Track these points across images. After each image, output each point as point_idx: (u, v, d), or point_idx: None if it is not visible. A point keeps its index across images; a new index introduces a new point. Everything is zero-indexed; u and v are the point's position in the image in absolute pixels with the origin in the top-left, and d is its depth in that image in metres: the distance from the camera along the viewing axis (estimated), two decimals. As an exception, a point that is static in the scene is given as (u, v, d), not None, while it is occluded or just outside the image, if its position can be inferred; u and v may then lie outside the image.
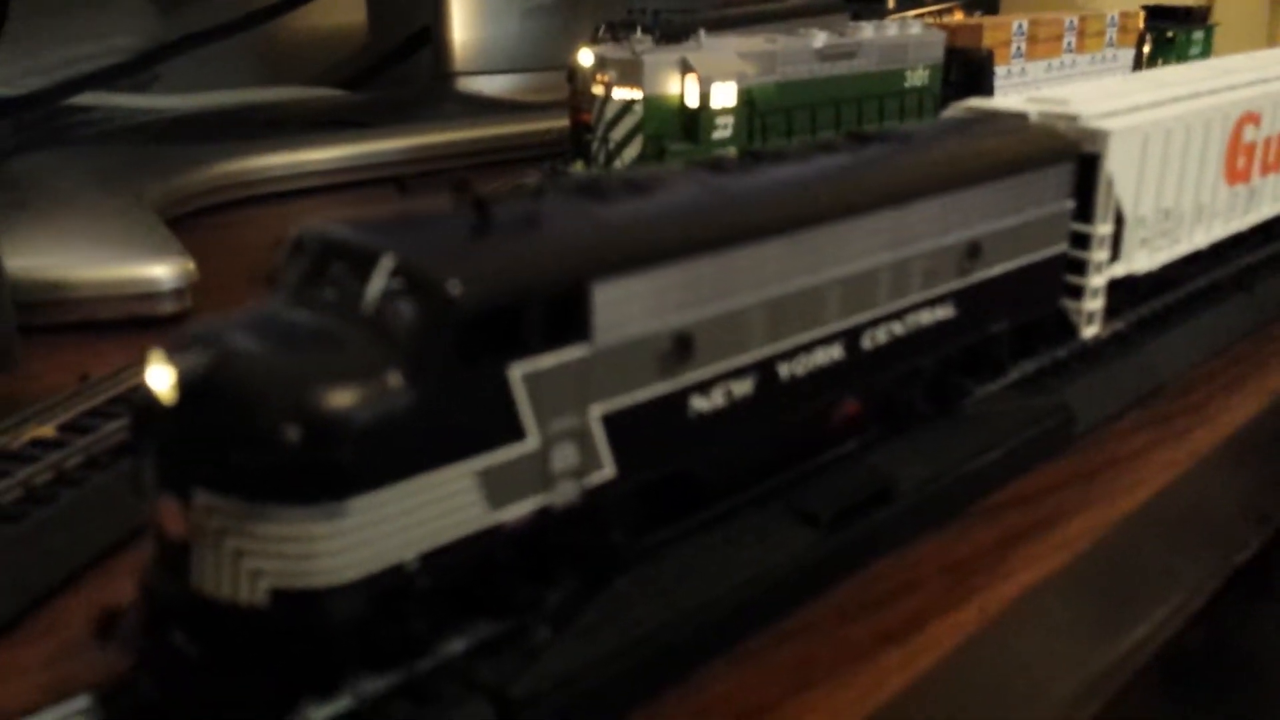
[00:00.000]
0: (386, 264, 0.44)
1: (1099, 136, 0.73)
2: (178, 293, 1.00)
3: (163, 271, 1.00)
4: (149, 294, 0.99)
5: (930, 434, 0.67)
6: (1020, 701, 0.57)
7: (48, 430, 0.71)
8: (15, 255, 0.93)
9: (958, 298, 0.66)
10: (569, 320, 0.47)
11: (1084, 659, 0.61)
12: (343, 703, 0.45)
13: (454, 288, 0.43)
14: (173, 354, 0.42)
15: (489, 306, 0.44)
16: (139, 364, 0.81)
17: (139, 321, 0.98)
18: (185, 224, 1.24)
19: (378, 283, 0.43)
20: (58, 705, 0.46)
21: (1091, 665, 0.62)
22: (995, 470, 0.67)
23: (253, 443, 0.40)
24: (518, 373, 0.45)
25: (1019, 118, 0.74)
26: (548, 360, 0.46)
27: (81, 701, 0.46)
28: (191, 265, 1.01)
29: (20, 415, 0.73)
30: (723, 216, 0.53)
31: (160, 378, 0.42)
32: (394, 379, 0.42)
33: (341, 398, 0.41)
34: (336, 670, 0.45)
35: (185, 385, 0.41)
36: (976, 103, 0.78)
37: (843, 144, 0.63)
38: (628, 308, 0.49)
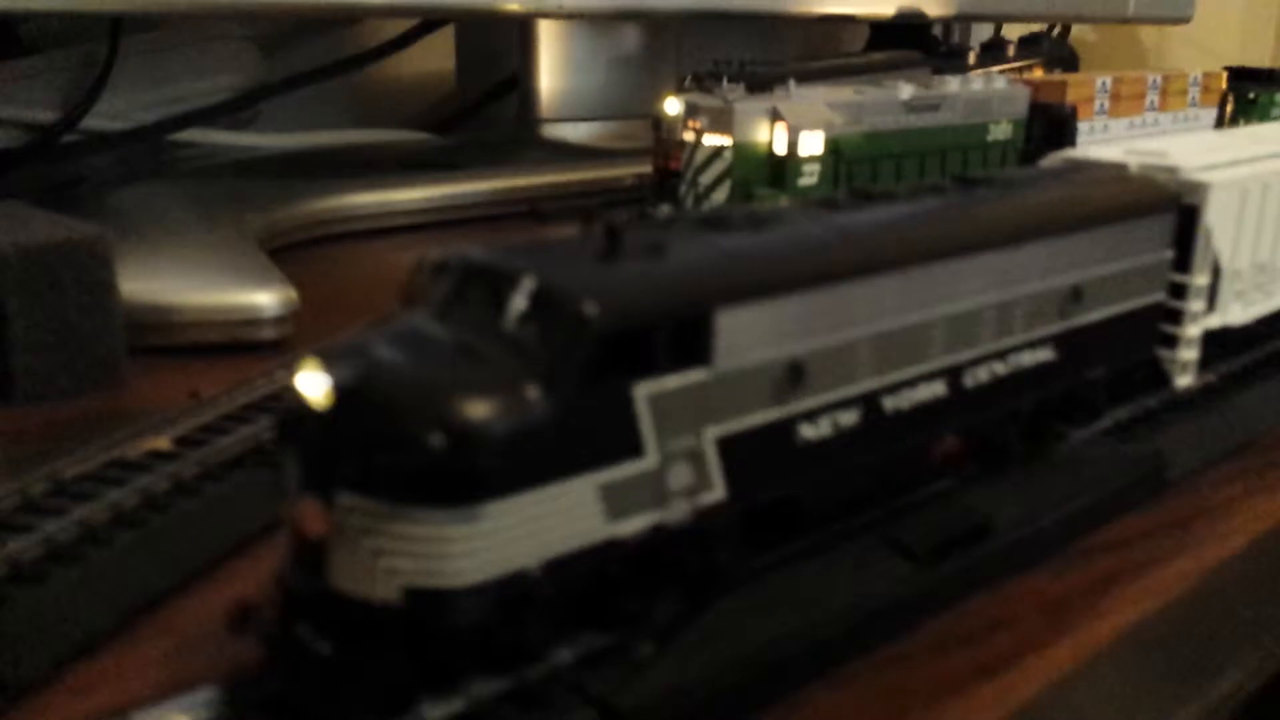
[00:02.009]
0: (527, 285, 0.46)
1: (1199, 188, 0.74)
2: (280, 319, 1.03)
3: (266, 299, 1.03)
4: (252, 320, 1.03)
5: (1026, 475, 0.67)
6: (1118, 741, 0.57)
7: (164, 442, 0.74)
8: (126, 279, 0.96)
9: (1058, 341, 0.67)
10: (693, 344, 0.49)
11: (1178, 704, 0.61)
12: (457, 703, 0.47)
13: (590, 308, 0.45)
14: (325, 362, 0.44)
15: (621, 327, 0.46)
16: (248, 383, 0.84)
17: (241, 346, 1.02)
18: (282, 257, 1.28)
19: (518, 302, 0.46)
20: (184, 695, 0.48)
21: (1186, 711, 0.61)
22: (1090, 513, 0.68)
23: (399, 447, 0.42)
24: (643, 392, 0.47)
25: (1119, 168, 0.75)
26: (671, 382, 0.48)
27: (207, 692, 0.48)
28: (293, 293, 1.05)
29: (137, 427, 0.76)
30: (838, 251, 0.55)
31: (313, 383, 0.44)
32: (531, 392, 0.44)
33: (483, 408, 0.43)
34: (458, 670, 0.46)
35: (336, 391, 0.43)
36: (1075, 153, 0.79)
37: (950, 186, 0.64)
38: (747, 335, 0.50)
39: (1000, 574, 0.63)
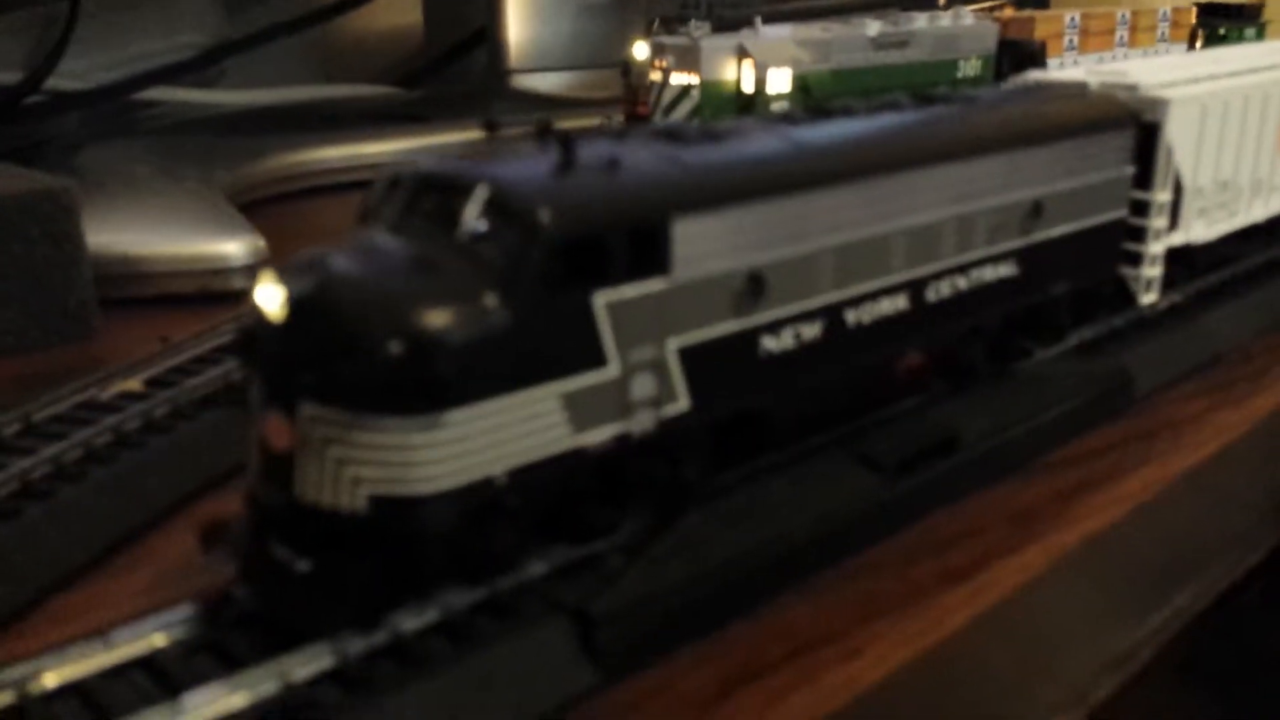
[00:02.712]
0: (480, 194, 0.46)
1: (1159, 105, 0.74)
2: (249, 269, 1.03)
3: (235, 248, 1.03)
4: (222, 269, 1.02)
5: (993, 391, 0.68)
6: (1083, 640, 0.58)
7: (135, 384, 0.74)
8: (95, 232, 0.96)
9: (1020, 256, 0.67)
10: (650, 253, 0.49)
11: (1145, 609, 0.62)
12: (431, 614, 0.47)
13: (544, 216, 0.45)
14: (283, 275, 0.44)
15: (576, 235, 0.46)
16: (218, 327, 0.84)
17: (211, 296, 1.01)
18: (252, 211, 1.28)
19: (472, 212, 0.46)
20: (161, 613, 0.48)
21: (1152, 616, 0.63)
22: (1056, 427, 0.69)
23: (359, 356, 0.42)
24: (601, 301, 0.47)
25: (1079, 86, 0.75)
26: (629, 291, 0.48)
27: (185, 609, 0.48)
28: (262, 243, 1.04)
29: (107, 370, 0.76)
30: (796, 162, 0.55)
31: (271, 297, 0.44)
32: (488, 301, 0.44)
33: (440, 317, 0.43)
34: (428, 579, 0.47)
35: (295, 304, 0.44)
36: (1038, 74, 0.79)
37: (909, 103, 0.64)
38: (705, 245, 0.51)
39: (967, 487, 0.64)
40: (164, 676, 0.45)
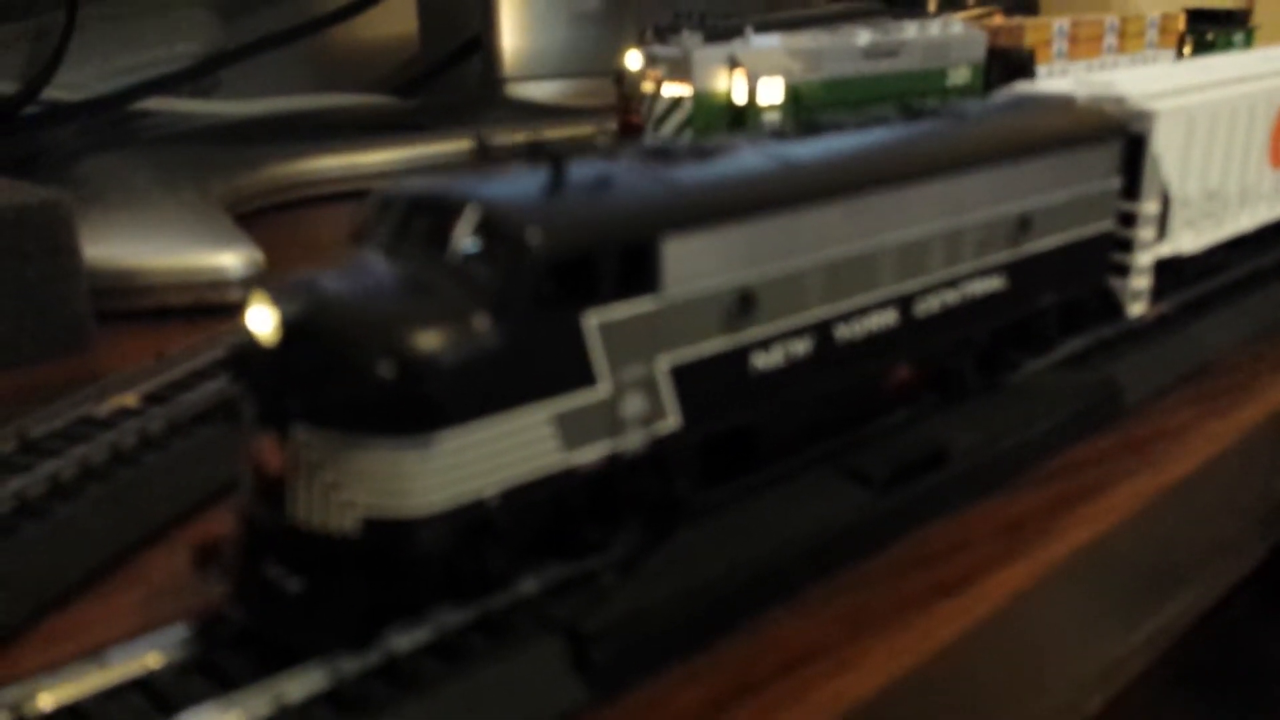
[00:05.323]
0: (470, 215, 0.46)
1: (1145, 117, 0.75)
2: (246, 281, 1.03)
3: (231, 260, 1.04)
4: (218, 281, 1.03)
5: (982, 404, 0.69)
6: (1074, 652, 0.59)
7: (130, 399, 0.75)
8: (91, 245, 0.96)
9: (1008, 269, 0.68)
10: (640, 272, 0.49)
11: (1134, 620, 0.63)
12: (424, 634, 0.48)
13: (533, 236, 0.45)
14: (274, 296, 0.44)
15: (566, 255, 0.46)
16: (214, 340, 0.85)
17: (208, 309, 1.02)
18: (249, 222, 1.28)
19: (462, 232, 0.46)
20: (156, 633, 0.49)
21: (1141, 628, 0.63)
22: (1045, 439, 0.69)
23: (349, 378, 0.43)
24: (592, 321, 0.48)
25: (1066, 99, 0.76)
26: (620, 310, 0.49)
27: (179, 630, 0.49)
28: (260, 255, 1.05)
29: (102, 385, 0.76)
30: (785, 179, 0.55)
31: (262, 319, 0.44)
32: (479, 322, 0.44)
33: (431, 338, 0.43)
34: (421, 600, 0.47)
35: (286, 326, 0.44)
36: (1025, 86, 0.80)
37: (896, 118, 0.65)
38: (695, 263, 0.51)
39: (957, 499, 0.64)
40: (159, 697, 0.45)
